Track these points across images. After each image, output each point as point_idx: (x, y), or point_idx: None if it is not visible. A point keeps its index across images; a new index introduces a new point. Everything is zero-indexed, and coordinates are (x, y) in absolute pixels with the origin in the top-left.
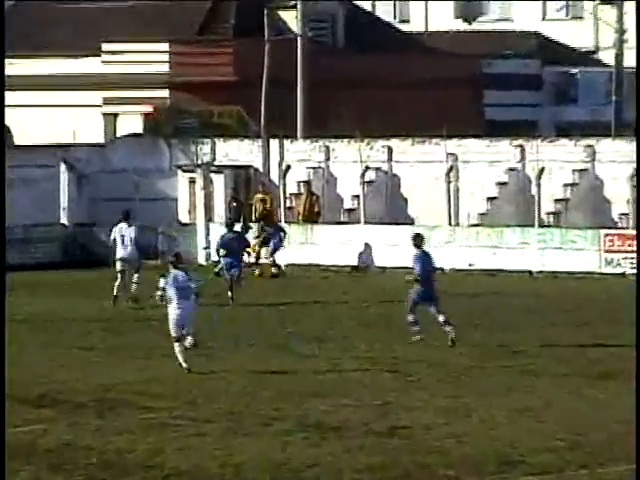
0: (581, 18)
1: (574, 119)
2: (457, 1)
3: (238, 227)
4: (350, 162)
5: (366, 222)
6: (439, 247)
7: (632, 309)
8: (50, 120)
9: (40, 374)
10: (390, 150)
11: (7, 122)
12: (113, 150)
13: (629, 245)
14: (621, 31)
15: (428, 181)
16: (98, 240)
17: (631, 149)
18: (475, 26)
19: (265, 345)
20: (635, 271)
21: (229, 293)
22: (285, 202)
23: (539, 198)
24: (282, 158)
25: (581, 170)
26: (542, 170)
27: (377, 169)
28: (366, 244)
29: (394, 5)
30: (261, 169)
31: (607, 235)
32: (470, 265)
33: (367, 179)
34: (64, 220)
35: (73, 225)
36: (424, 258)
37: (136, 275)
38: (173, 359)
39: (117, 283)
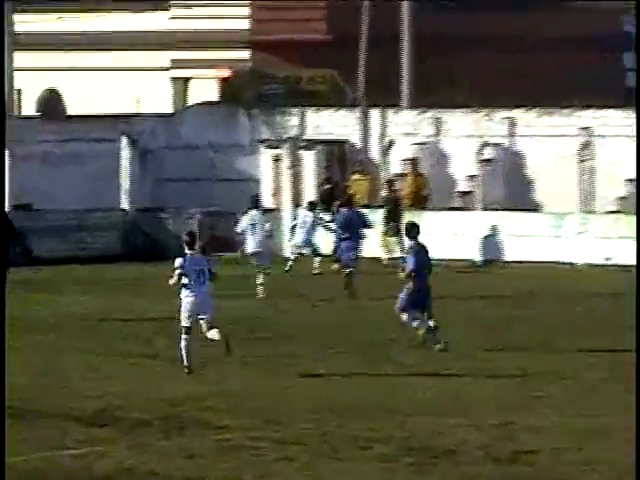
0: None
1: None
2: None
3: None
4: (465, 137)
5: (484, 208)
6: (570, 238)
7: None
8: (109, 86)
9: (94, 387)
10: (512, 123)
11: (58, 87)
12: (183, 122)
13: None
14: None
15: (557, 160)
16: (164, 228)
17: None
18: None
19: (360, 350)
20: None
21: (348, 285)
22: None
23: None
24: (384, 132)
25: None
26: None
27: (497, 145)
28: (490, 234)
29: None
30: (359, 145)
31: None
32: (607, 259)
33: (485, 157)
34: (125, 205)
35: (135, 210)
36: (419, 252)
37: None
38: (251, 369)
39: (260, 281)
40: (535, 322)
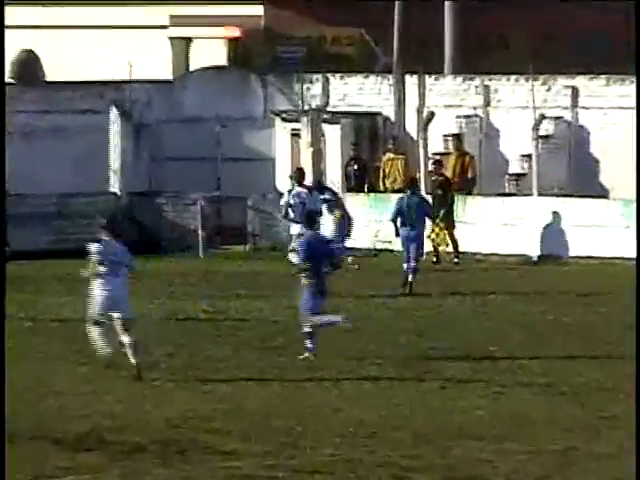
0: None
1: None
2: None
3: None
4: (519, 108)
5: (541, 194)
6: None
7: None
8: (97, 48)
9: (80, 403)
10: (575, 92)
11: (36, 49)
12: (185, 90)
13: None
14: None
15: (628, 136)
16: (161, 216)
17: None
18: None
19: (395, 363)
20: None
21: (407, 281)
22: (426, 165)
23: None
24: (423, 102)
25: None
26: None
27: (557, 119)
28: (548, 224)
29: None
30: (393, 117)
31: None
32: None
33: (542, 132)
34: (115, 188)
35: (127, 195)
36: (312, 241)
37: None
38: (263, 383)
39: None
40: (599, 329)
